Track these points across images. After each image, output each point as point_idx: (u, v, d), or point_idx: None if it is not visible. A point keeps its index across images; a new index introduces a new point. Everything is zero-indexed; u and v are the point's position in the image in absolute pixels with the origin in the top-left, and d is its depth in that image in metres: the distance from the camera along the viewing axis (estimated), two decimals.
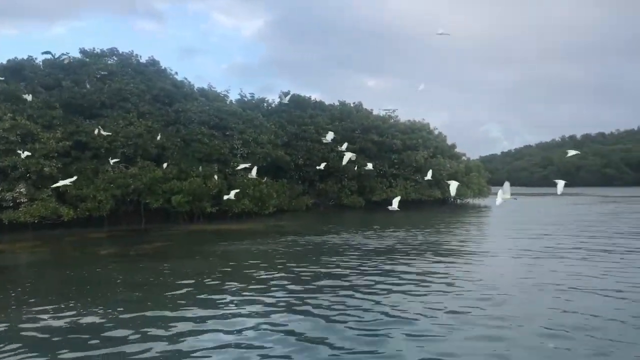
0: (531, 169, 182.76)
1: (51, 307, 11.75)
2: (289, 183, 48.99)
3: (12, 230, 30.26)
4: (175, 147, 38.34)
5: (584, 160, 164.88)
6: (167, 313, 11.11)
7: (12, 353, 8.70)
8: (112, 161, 34.49)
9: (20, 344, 9.14)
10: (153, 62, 44.17)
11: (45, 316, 11.03)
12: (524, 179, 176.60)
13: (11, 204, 30.80)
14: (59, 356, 8.53)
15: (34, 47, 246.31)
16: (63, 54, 40.48)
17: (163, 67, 44.67)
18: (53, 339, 9.40)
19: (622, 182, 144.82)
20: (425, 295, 12.61)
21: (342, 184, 53.03)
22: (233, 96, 56.02)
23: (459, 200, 64.53)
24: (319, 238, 25.68)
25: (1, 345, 9.09)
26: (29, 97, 33.99)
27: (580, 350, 8.65)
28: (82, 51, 42.37)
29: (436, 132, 65.06)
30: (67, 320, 10.67)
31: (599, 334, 9.44)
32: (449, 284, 13.87)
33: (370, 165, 35.46)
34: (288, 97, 50.73)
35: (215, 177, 37.43)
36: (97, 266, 18.59)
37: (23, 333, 9.87)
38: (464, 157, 68.20)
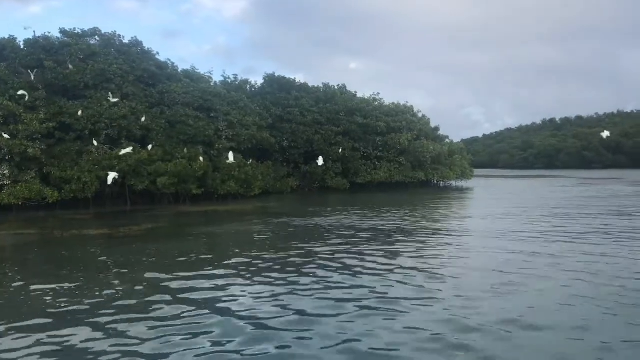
0: (512, 151, 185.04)
1: (46, 286, 11.87)
2: (274, 165, 49.18)
3: None
4: (160, 129, 38.19)
5: (564, 143, 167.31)
6: (165, 294, 11.31)
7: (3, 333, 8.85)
8: (95, 143, 34.39)
9: (13, 323, 9.28)
10: (136, 43, 43.61)
11: (40, 296, 11.17)
12: (505, 161, 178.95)
13: None
14: (53, 335, 8.69)
15: (10, 28, 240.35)
16: (45, 34, 39.88)
17: (147, 48, 44.18)
18: (49, 319, 9.56)
19: (601, 164, 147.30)
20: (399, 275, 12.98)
21: (326, 166, 53.27)
22: (216, 78, 55.56)
23: (441, 183, 65.34)
24: (305, 220, 25.98)
25: None
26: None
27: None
28: (63, 31, 41.61)
29: (420, 114, 65.53)
30: (64, 299, 10.83)
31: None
32: (418, 267, 14.24)
33: (320, 160, 36.46)
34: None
35: (201, 158, 37.45)
36: (88, 247, 18.70)
37: (18, 310, 10.00)
38: (447, 140, 68.88)
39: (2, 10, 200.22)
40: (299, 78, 60.20)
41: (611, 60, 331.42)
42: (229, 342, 8.16)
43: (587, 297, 10.45)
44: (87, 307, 10.19)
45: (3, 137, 30.48)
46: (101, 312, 9.81)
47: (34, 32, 39.90)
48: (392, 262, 14.42)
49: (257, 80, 74.61)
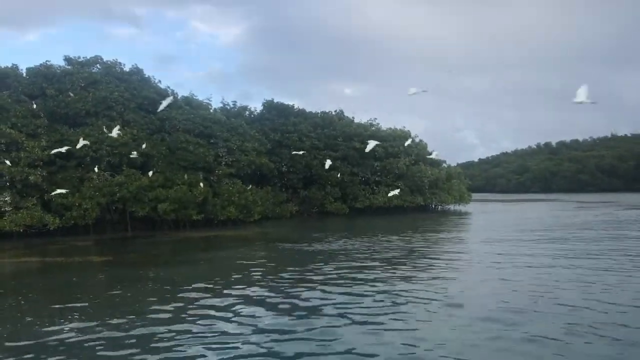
0: (508, 175, 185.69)
1: (49, 315, 11.95)
2: (273, 190, 49.35)
3: None
4: (161, 155, 38.43)
5: (559, 167, 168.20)
6: (173, 323, 11.39)
7: None
8: (96, 169, 34.57)
9: (18, 353, 9.33)
10: (137, 71, 44.22)
11: (44, 325, 11.21)
12: (501, 185, 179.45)
13: None
14: None
15: (6, 56, 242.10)
16: (46, 62, 40.43)
17: (147, 76, 44.78)
18: (55, 347, 9.63)
19: (596, 187, 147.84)
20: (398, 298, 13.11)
21: (325, 191, 53.53)
22: (215, 104, 56.04)
23: (439, 207, 65.53)
24: (305, 245, 26.04)
25: None
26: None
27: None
28: (67, 59, 42.27)
29: (417, 139, 65.99)
30: (69, 328, 10.89)
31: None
32: (416, 289, 14.36)
33: (328, 163, 36.75)
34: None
35: (201, 184, 37.63)
36: (92, 274, 18.76)
37: (22, 342, 10.02)
38: (444, 164, 69.26)
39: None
40: (295, 103, 60.80)
41: (606, 84, 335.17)
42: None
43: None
44: (96, 338, 10.27)
45: (5, 164, 30.63)
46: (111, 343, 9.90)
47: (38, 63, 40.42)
48: (402, 288, 14.55)
49: (256, 106, 75.22)
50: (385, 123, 70.55)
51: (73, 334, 10.24)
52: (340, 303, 12.46)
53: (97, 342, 9.65)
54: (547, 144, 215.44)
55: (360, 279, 15.67)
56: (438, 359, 8.58)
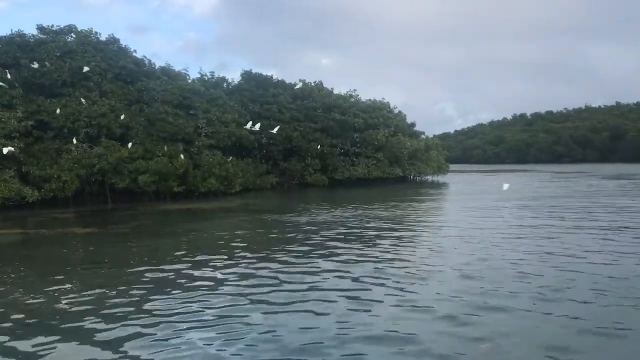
0: (484, 146, 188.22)
1: (39, 286, 12.03)
2: (253, 162, 49.41)
3: None
4: (140, 127, 38.02)
5: (535, 138, 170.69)
6: (161, 292, 11.59)
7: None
8: (74, 140, 34.16)
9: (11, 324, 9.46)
10: (113, 40, 43.24)
11: (32, 296, 11.29)
12: (477, 156, 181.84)
13: None
14: (53, 339, 8.86)
15: None
16: (19, 31, 39.31)
17: (123, 45, 43.88)
18: (46, 320, 9.76)
19: (571, 158, 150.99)
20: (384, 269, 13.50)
21: (305, 163, 53.72)
22: (192, 74, 55.26)
23: (418, 178, 66.38)
24: (288, 216, 26.34)
25: None
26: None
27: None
28: (40, 27, 41.08)
29: (396, 110, 66.42)
30: (59, 299, 11.02)
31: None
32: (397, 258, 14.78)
33: (275, 129, 38.84)
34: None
35: (182, 156, 37.44)
36: (75, 245, 18.79)
37: (14, 315, 10.12)
38: (423, 136, 69.95)
39: None
40: (272, 74, 60.29)
41: (580, 56, 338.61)
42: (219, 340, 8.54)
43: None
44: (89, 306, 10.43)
45: None
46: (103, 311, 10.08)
47: (11, 29, 39.35)
48: (377, 255, 14.94)
49: (234, 77, 74.28)
50: (363, 95, 70.58)
51: (64, 305, 10.35)
52: (328, 272, 12.74)
53: (91, 315, 9.78)
54: (523, 115, 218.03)
55: (346, 249, 15.99)
56: (433, 321, 8.92)
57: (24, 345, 8.15)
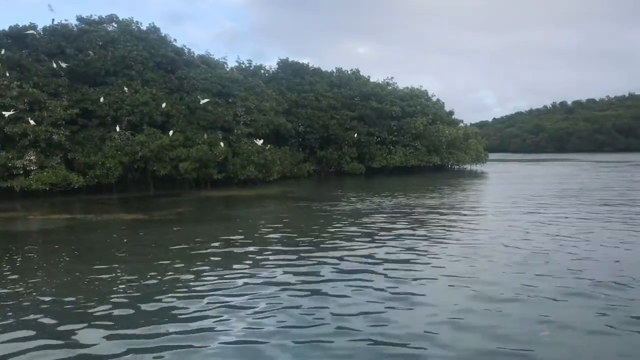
0: (523, 135, 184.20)
1: (95, 271, 12.29)
2: (291, 150, 49.49)
3: (24, 197, 30.74)
4: (180, 115, 38.47)
5: (575, 127, 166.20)
6: (212, 274, 11.70)
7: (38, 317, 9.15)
8: (117, 129, 34.90)
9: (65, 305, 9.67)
10: (154, 29, 43.82)
11: (90, 281, 11.54)
12: (516, 145, 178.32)
13: (22, 172, 31.10)
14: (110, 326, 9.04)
15: (12, 15, 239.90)
16: (62, 21, 40.25)
17: (163, 34, 44.38)
18: (107, 298, 9.96)
19: (613, 148, 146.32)
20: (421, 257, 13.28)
21: (342, 151, 53.55)
22: (230, 63, 55.64)
23: (456, 167, 65.46)
24: (327, 203, 26.25)
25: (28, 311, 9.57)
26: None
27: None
28: (80, 18, 41.91)
29: (434, 98, 65.50)
30: (115, 285, 11.23)
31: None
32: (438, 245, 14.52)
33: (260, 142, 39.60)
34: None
35: (221, 144, 37.76)
36: (126, 231, 19.14)
37: (69, 298, 10.36)
38: (461, 124, 68.80)
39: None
40: (308, 62, 60.09)
41: (623, 42, 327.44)
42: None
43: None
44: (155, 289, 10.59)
45: (29, 123, 30.92)
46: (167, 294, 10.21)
47: (53, 19, 40.24)
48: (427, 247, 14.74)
49: (271, 65, 74.46)
50: (400, 82, 69.87)
51: (120, 290, 10.53)
52: (368, 262, 12.59)
53: (145, 296, 9.96)
54: (563, 104, 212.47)
55: (386, 238, 15.83)
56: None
57: (86, 336, 8.29)
